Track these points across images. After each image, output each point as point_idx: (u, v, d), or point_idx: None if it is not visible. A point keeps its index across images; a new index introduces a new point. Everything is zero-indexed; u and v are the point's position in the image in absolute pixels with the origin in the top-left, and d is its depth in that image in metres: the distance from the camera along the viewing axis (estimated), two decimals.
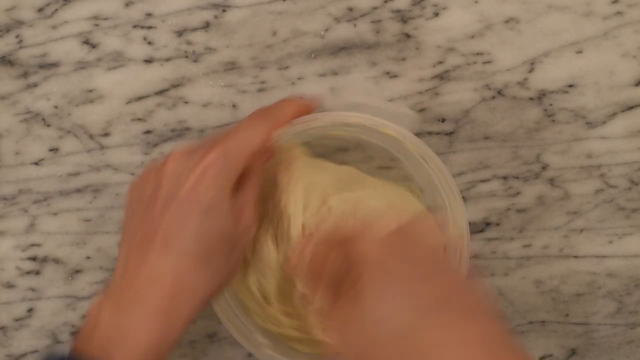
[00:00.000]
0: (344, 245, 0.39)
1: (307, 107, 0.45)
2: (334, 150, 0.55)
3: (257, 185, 0.44)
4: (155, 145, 0.55)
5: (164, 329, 0.39)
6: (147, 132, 0.55)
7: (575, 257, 0.56)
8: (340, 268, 0.39)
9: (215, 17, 0.55)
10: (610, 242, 0.56)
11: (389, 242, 0.38)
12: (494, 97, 0.56)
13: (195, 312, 0.41)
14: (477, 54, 0.55)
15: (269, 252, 0.49)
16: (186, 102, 0.55)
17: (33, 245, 0.56)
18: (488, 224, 0.56)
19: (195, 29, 0.55)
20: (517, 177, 0.56)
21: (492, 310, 0.36)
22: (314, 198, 0.49)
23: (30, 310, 0.56)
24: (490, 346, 0.34)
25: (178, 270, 0.40)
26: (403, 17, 0.55)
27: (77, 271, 0.56)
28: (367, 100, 0.48)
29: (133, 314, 0.39)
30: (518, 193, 0.56)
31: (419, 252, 0.39)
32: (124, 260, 0.41)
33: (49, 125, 0.55)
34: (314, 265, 0.41)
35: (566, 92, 0.56)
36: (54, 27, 0.55)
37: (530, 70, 0.56)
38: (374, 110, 0.47)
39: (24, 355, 0.55)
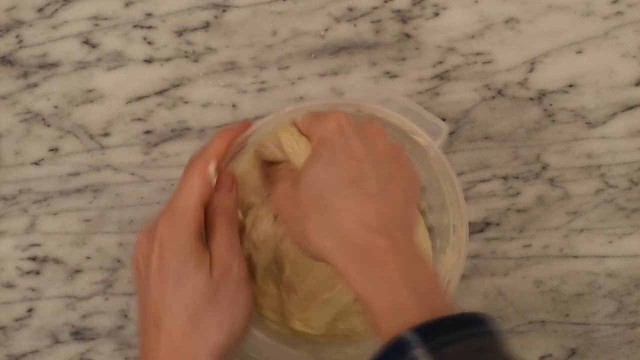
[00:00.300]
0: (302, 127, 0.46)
1: (236, 130, 0.47)
2: None
3: (227, 220, 0.45)
4: (155, 145, 0.55)
5: None
6: (147, 132, 0.55)
7: (575, 257, 0.56)
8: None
9: (215, 17, 0.55)
10: (610, 242, 0.56)
11: (334, 128, 0.44)
12: (494, 97, 0.56)
13: None
14: (477, 54, 0.55)
15: (268, 227, 0.49)
16: (186, 102, 0.55)
17: (33, 245, 0.56)
18: (488, 224, 0.56)
19: (195, 29, 0.55)
20: (517, 177, 0.56)
21: (402, 206, 0.42)
22: None
23: (30, 310, 0.56)
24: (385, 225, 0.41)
25: (174, 343, 0.42)
26: (403, 17, 0.55)
27: (77, 271, 0.56)
28: (402, 100, 0.49)
29: None
30: (518, 193, 0.56)
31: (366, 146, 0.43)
32: (139, 338, 0.44)
33: (49, 125, 0.55)
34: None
35: (566, 92, 0.56)
36: (54, 27, 0.55)
37: (530, 70, 0.56)
38: (403, 109, 0.48)
39: (24, 355, 0.55)
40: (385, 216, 0.41)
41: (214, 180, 0.44)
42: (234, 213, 0.45)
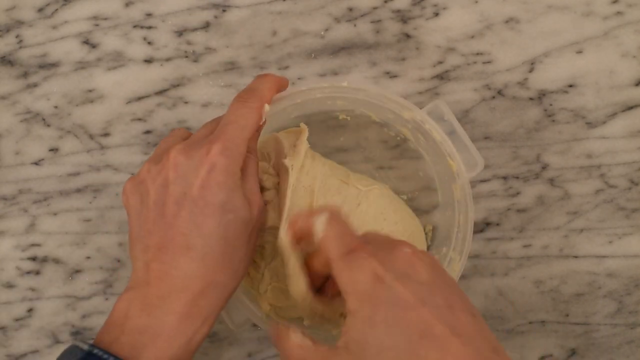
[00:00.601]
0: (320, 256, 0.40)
1: (282, 81, 0.46)
2: (334, 150, 0.55)
3: (256, 163, 0.44)
4: (155, 145, 0.55)
5: (194, 329, 0.40)
6: (147, 132, 0.55)
7: (575, 257, 0.56)
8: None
9: (215, 17, 0.55)
10: (610, 242, 0.56)
11: (369, 285, 0.37)
12: (494, 97, 0.56)
13: (222, 307, 0.42)
14: (477, 54, 0.55)
15: (274, 216, 0.49)
16: (186, 102, 0.55)
17: (33, 245, 0.56)
18: (488, 224, 0.56)
19: (195, 29, 0.55)
20: (517, 177, 0.56)
21: (476, 324, 0.36)
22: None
23: (30, 310, 0.56)
24: None
25: (205, 273, 0.40)
26: (403, 17, 0.55)
27: (77, 271, 0.55)
28: (452, 122, 0.50)
29: (163, 315, 0.39)
30: (518, 193, 0.56)
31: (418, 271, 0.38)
32: (144, 263, 0.41)
33: (49, 125, 0.55)
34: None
35: (566, 92, 0.56)
36: (54, 27, 0.55)
37: (530, 70, 0.56)
38: (451, 131, 0.49)
39: (24, 355, 0.55)
40: (475, 352, 0.35)
41: (264, 119, 0.43)
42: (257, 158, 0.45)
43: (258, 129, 0.44)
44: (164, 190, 0.41)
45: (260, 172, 0.48)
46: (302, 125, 0.50)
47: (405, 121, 0.50)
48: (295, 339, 0.38)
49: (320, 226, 0.39)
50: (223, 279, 0.41)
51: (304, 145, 0.49)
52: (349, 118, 0.54)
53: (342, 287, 0.37)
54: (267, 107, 0.44)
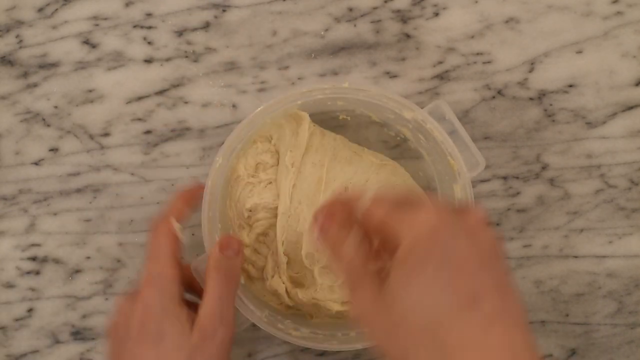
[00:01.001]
0: (372, 220, 0.38)
1: (193, 192, 0.49)
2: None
3: (222, 284, 0.45)
4: (155, 145, 0.55)
5: None
6: (147, 132, 0.55)
7: (575, 257, 0.56)
8: (364, 243, 0.39)
9: (215, 17, 0.55)
10: (610, 242, 0.56)
11: (428, 228, 0.35)
12: (494, 97, 0.56)
13: None
14: (477, 54, 0.55)
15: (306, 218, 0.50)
16: (186, 102, 0.55)
17: (33, 245, 0.56)
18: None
19: (195, 29, 0.55)
20: (517, 177, 0.56)
21: (522, 315, 0.35)
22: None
23: (30, 310, 0.56)
24: (513, 356, 0.33)
25: None
26: (403, 17, 0.55)
27: (77, 271, 0.55)
28: (454, 122, 0.50)
29: None
30: (518, 193, 0.56)
31: (458, 239, 0.35)
32: None
33: (49, 125, 0.55)
34: (338, 236, 0.39)
35: (566, 92, 0.56)
36: (54, 27, 0.55)
37: (530, 70, 0.56)
38: (452, 131, 0.49)
39: (24, 355, 0.55)
40: (515, 344, 0.34)
41: (181, 235, 0.46)
42: (236, 277, 0.46)
43: (177, 249, 0.46)
44: (115, 336, 0.45)
45: (262, 152, 0.51)
46: (302, 113, 0.50)
47: (405, 121, 0.50)
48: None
49: (366, 201, 0.38)
50: None
51: (305, 135, 0.49)
52: (349, 118, 0.54)
53: (397, 233, 0.35)
54: (174, 223, 0.46)
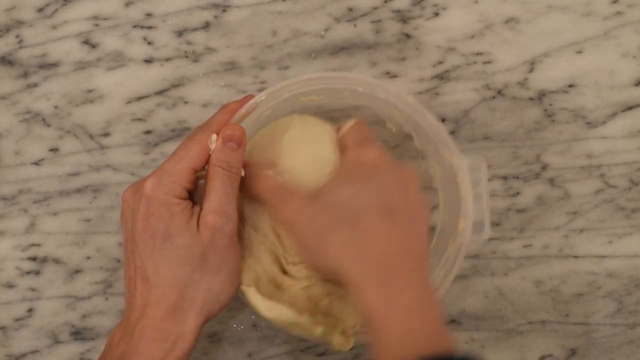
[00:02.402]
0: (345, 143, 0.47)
1: (238, 105, 0.48)
2: None
3: (224, 179, 0.45)
4: (155, 145, 0.55)
5: (166, 346, 0.43)
6: (147, 132, 0.55)
7: (575, 257, 0.56)
8: None
9: (215, 17, 0.55)
10: (610, 242, 0.56)
11: (372, 158, 0.45)
12: (494, 97, 0.56)
13: (199, 325, 0.44)
14: (477, 54, 0.55)
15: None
16: (186, 102, 0.55)
17: (33, 245, 0.56)
18: None
19: (195, 29, 0.55)
20: (517, 177, 0.56)
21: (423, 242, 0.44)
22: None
23: (30, 310, 0.56)
24: (405, 253, 0.42)
25: (161, 299, 0.43)
26: (403, 17, 0.55)
27: (77, 271, 0.55)
28: (434, 123, 0.49)
29: (137, 338, 0.43)
30: (518, 193, 0.56)
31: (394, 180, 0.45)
32: (125, 293, 0.45)
33: (49, 125, 0.55)
34: None
35: (566, 92, 0.56)
36: (54, 27, 0.55)
37: (530, 70, 0.56)
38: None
39: (24, 355, 0.55)
40: (412, 248, 0.43)
41: (212, 147, 0.45)
42: (237, 170, 0.45)
43: (201, 161, 0.46)
44: (125, 231, 0.45)
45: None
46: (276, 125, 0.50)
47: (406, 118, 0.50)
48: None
49: (346, 126, 0.47)
50: (183, 301, 0.43)
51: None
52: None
53: (346, 152, 0.46)
54: (214, 137, 0.45)
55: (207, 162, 0.45)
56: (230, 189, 0.44)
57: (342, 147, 0.47)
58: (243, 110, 0.47)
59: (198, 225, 0.43)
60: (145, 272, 0.43)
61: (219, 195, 0.44)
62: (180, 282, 0.43)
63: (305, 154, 0.48)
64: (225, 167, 0.44)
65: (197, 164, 0.44)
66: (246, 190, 0.46)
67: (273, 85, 0.48)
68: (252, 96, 0.48)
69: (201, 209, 0.44)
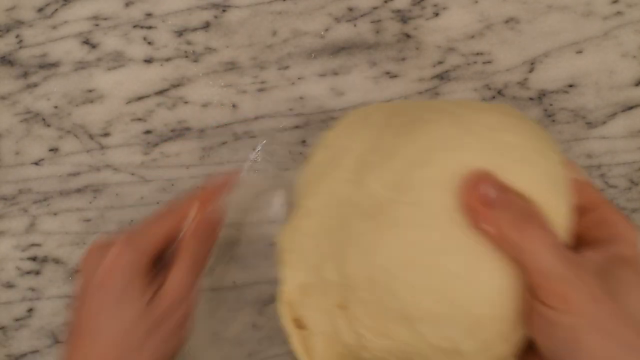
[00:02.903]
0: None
1: (212, 193, 0.47)
2: None
3: (191, 256, 0.44)
4: (155, 145, 0.55)
5: None
6: (147, 132, 0.55)
7: None
8: None
9: (215, 17, 0.55)
10: None
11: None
12: (494, 97, 0.56)
13: None
14: (477, 54, 0.55)
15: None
16: (186, 102, 0.55)
17: (33, 245, 0.56)
18: None
19: (195, 29, 0.55)
20: None
21: None
22: None
23: (30, 310, 0.56)
24: None
25: (101, 356, 0.42)
26: (403, 17, 0.55)
27: (77, 271, 0.55)
28: None
29: None
30: None
31: None
32: (63, 352, 0.44)
33: (49, 125, 0.55)
34: None
35: (566, 92, 0.56)
36: (54, 27, 0.55)
37: (530, 70, 0.56)
38: None
39: (24, 355, 0.56)
40: None
41: (189, 221, 0.45)
42: (212, 240, 0.46)
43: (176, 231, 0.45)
44: (79, 284, 0.44)
45: None
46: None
47: None
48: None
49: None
50: None
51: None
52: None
53: (616, 223, 0.34)
54: (193, 210, 0.45)
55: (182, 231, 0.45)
56: (199, 264, 0.44)
57: (594, 200, 0.36)
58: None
59: (154, 297, 0.43)
60: (88, 325, 0.42)
61: (183, 272, 0.44)
62: (123, 347, 0.42)
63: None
64: (198, 239, 0.44)
65: (172, 233, 0.44)
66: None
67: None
68: (235, 174, 0.48)
69: (166, 278, 0.44)
